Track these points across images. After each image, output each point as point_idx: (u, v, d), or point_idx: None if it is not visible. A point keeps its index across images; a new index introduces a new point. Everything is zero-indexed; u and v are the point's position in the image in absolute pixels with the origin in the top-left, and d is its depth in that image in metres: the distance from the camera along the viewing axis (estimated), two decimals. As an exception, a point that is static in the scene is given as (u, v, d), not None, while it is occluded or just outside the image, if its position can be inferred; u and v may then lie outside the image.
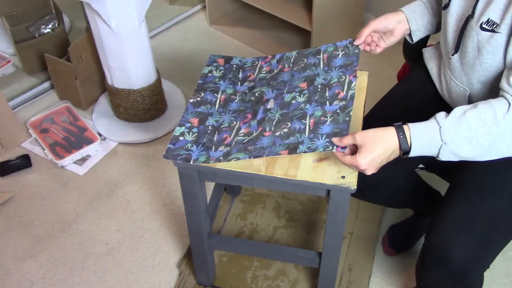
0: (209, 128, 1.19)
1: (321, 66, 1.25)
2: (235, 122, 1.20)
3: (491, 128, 0.95)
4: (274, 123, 1.15)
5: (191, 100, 1.27)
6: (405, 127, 0.99)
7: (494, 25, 1.00)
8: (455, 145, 0.96)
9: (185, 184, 1.22)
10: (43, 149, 1.98)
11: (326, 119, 1.11)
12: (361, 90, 1.33)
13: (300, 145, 1.07)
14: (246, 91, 1.28)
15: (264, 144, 1.11)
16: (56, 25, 2.28)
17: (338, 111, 1.12)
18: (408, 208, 1.59)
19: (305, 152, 1.05)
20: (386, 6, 2.46)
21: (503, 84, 0.99)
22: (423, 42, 1.40)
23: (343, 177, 1.10)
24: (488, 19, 1.01)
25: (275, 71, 1.30)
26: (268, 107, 1.20)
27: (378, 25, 1.24)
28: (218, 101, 1.26)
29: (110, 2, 1.66)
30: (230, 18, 2.74)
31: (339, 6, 2.27)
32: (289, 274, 1.59)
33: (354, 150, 1.02)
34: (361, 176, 1.09)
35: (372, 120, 1.27)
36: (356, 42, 1.26)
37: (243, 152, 1.10)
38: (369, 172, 1.00)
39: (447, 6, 1.12)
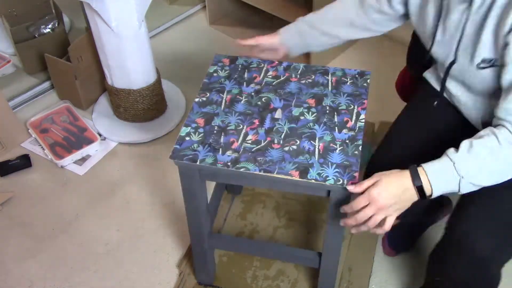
0: (215, 129, 1.20)
1: (329, 88, 1.31)
2: (241, 126, 1.21)
3: (498, 154, 0.96)
4: (282, 136, 1.18)
5: (197, 100, 1.28)
6: (419, 169, 0.99)
7: (492, 61, 1.02)
8: (471, 177, 0.96)
9: (185, 183, 1.22)
10: (43, 149, 1.98)
11: (336, 147, 1.15)
12: (362, 90, 1.33)
13: (310, 169, 1.10)
14: (253, 93, 1.29)
15: (273, 157, 1.13)
16: (56, 25, 2.28)
17: (347, 141, 1.16)
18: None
19: (316, 179, 1.08)
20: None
21: (498, 113, 1.00)
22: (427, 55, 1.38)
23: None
24: (483, 59, 1.03)
25: (282, 78, 1.34)
26: (276, 116, 1.23)
27: (263, 41, 1.35)
28: (224, 101, 1.27)
29: (110, 2, 1.66)
30: (230, 18, 2.74)
31: (339, 6, 2.26)
32: (289, 274, 1.59)
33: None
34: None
35: (386, 153, 1.30)
36: (240, 43, 1.36)
37: (252, 163, 1.12)
38: (382, 201, 0.98)
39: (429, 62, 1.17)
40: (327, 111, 1.24)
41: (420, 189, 0.98)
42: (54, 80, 2.21)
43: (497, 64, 1.01)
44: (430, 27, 1.14)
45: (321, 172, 1.10)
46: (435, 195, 0.99)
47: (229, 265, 1.62)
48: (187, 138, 1.18)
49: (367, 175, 1.14)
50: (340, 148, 1.15)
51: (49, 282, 1.60)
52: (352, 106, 1.25)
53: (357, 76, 1.33)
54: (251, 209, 1.78)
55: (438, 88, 1.27)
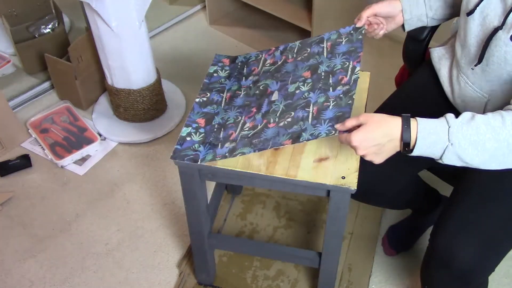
0: (216, 127, 1.20)
1: (325, 54, 1.25)
2: (240, 117, 1.19)
3: (499, 134, 0.90)
4: (278, 114, 1.14)
5: (197, 100, 1.27)
6: (412, 120, 0.93)
7: None
8: (461, 148, 0.90)
9: (185, 183, 1.22)
10: (43, 149, 1.98)
11: (329, 104, 1.10)
12: (363, 91, 1.33)
13: (303, 133, 1.05)
14: (251, 85, 1.28)
15: (268, 135, 1.10)
16: (56, 25, 2.28)
17: (341, 95, 1.11)
18: (407, 208, 1.59)
19: (308, 139, 1.03)
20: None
21: None
22: (424, 46, 1.39)
23: (343, 177, 1.10)
24: None
25: (279, 63, 1.30)
26: (273, 99, 1.20)
27: (381, 9, 1.23)
28: (224, 100, 1.26)
29: (110, 2, 1.66)
30: (230, 18, 2.74)
31: (339, 6, 2.26)
32: (289, 274, 1.59)
33: None
34: (365, 180, 1.09)
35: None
36: (358, 24, 1.25)
37: (248, 147, 1.10)
38: (359, 152, 0.94)
39: (471, 12, 1.07)
40: (322, 77, 1.18)
41: (405, 143, 0.93)
42: (54, 80, 2.21)
43: None
44: None
45: (313, 131, 1.05)
46: (415, 153, 0.93)
47: (229, 265, 1.62)
48: (188, 138, 1.18)
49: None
50: (333, 103, 1.09)
51: (49, 282, 1.60)
52: (348, 63, 1.19)
53: (352, 32, 1.27)
54: (251, 209, 1.78)
55: (445, 72, 1.24)
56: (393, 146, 0.95)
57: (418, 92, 1.33)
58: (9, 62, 2.32)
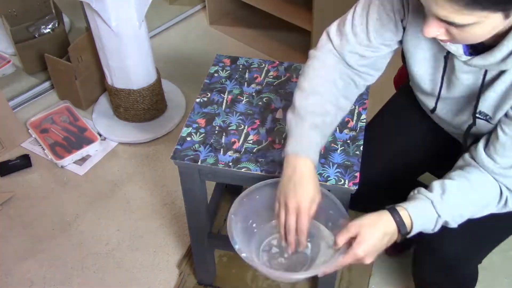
0: (216, 129, 1.20)
1: None
2: (243, 126, 1.21)
3: (471, 196, 0.96)
4: (284, 136, 1.17)
5: (198, 100, 1.28)
6: (399, 209, 0.95)
7: (487, 116, 0.99)
8: (450, 216, 0.96)
9: (185, 183, 1.22)
10: (43, 149, 1.98)
11: (337, 147, 1.16)
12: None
13: None
14: (253, 93, 1.30)
15: (275, 157, 1.13)
16: (56, 25, 2.28)
17: (348, 141, 1.17)
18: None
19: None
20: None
21: (475, 155, 0.98)
22: None
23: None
24: (480, 111, 1.00)
25: (283, 78, 1.34)
26: (277, 116, 1.23)
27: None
28: (225, 101, 1.27)
29: (110, 2, 1.66)
30: (230, 18, 2.74)
31: (339, 6, 2.26)
32: (289, 274, 1.59)
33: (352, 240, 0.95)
34: (364, 189, 1.09)
35: (374, 132, 1.28)
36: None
37: (253, 163, 1.12)
38: (368, 261, 0.95)
39: (433, 111, 1.12)
40: None
41: (404, 234, 0.95)
42: (54, 80, 2.21)
43: (490, 122, 0.99)
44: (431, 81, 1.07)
45: (322, 172, 1.10)
46: (413, 234, 0.96)
47: (229, 265, 1.62)
48: (188, 139, 1.18)
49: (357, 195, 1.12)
50: (341, 148, 1.15)
51: (49, 282, 1.60)
52: (353, 106, 1.24)
53: None
54: (251, 209, 1.78)
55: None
56: (390, 239, 0.96)
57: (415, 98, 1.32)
58: (9, 62, 2.32)
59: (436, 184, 0.97)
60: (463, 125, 1.07)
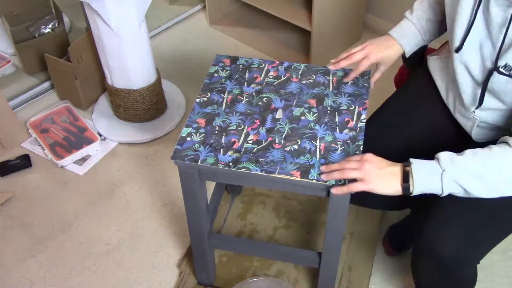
0: (216, 129, 1.20)
1: (330, 87, 1.31)
2: (243, 126, 1.21)
3: (486, 160, 0.95)
4: (283, 136, 1.18)
5: (198, 100, 1.28)
6: (406, 163, 1.01)
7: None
8: (454, 171, 0.95)
9: (185, 183, 1.22)
10: (43, 149, 1.98)
11: (337, 147, 1.16)
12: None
13: (311, 169, 1.10)
14: (253, 93, 1.30)
15: (274, 158, 1.13)
16: (56, 25, 2.28)
17: (348, 141, 1.17)
18: (407, 208, 1.59)
19: (317, 180, 1.08)
20: (386, 6, 2.46)
21: None
22: (423, 49, 1.39)
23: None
24: (506, 64, 0.97)
25: (283, 78, 1.34)
26: (277, 116, 1.23)
27: (379, 59, 1.27)
28: (224, 101, 1.27)
29: (110, 2, 1.66)
30: (230, 18, 2.74)
31: (339, 6, 2.26)
32: (289, 274, 1.59)
33: None
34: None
35: (374, 126, 1.28)
36: (348, 77, 1.29)
37: (253, 163, 1.12)
38: (368, 175, 1.01)
39: (459, 49, 1.07)
40: (328, 111, 1.24)
41: (405, 171, 1.00)
42: (54, 80, 2.21)
43: None
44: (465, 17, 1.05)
45: None
46: (416, 186, 0.99)
47: (229, 265, 1.62)
48: (188, 139, 1.18)
49: None
50: (341, 148, 1.15)
51: (49, 282, 1.60)
52: (353, 106, 1.25)
53: (357, 76, 1.33)
54: (251, 209, 1.78)
55: (441, 82, 1.26)
56: (393, 177, 1.01)
57: (417, 94, 1.33)
58: (9, 62, 2.32)
59: (468, 151, 0.98)
60: (483, 77, 1.04)
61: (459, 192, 0.98)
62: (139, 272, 1.62)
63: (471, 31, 1.03)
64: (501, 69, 0.98)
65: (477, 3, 1.01)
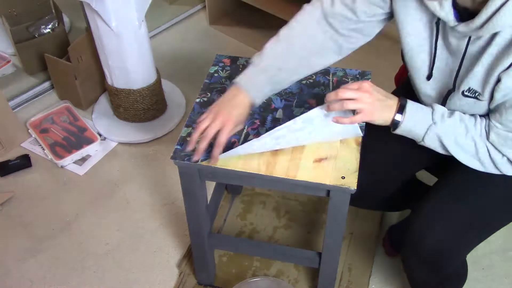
0: None
1: (331, 88, 1.31)
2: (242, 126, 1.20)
3: (468, 132, 1.03)
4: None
5: (198, 100, 1.28)
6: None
7: (476, 93, 1.01)
8: (443, 127, 1.03)
9: (185, 183, 1.22)
10: (43, 149, 1.98)
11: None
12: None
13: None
14: None
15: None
16: (56, 25, 2.28)
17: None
18: (407, 208, 1.59)
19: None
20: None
21: (492, 117, 1.03)
22: None
23: (343, 177, 1.10)
24: (469, 88, 1.02)
25: None
26: (277, 116, 1.23)
27: (236, 122, 1.12)
28: None
29: (110, 2, 1.66)
30: (230, 18, 2.74)
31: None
32: (289, 274, 1.59)
33: None
34: (362, 184, 1.10)
35: (372, 130, 1.28)
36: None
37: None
38: (368, 99, 1.03)
39: (430, 77, 1.11)
40: None
41: (401, 105, 1.05)
42: (54, 80, 2.21)
43: (479, 99, 1.01)
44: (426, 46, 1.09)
45: None
46: (403, 126, 1.04)
47: (229, 265, 1.62)
48: (188, 139, 1.18)
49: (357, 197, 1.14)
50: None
51: (49, 282, 1.60)
52: None
53: (358, 76, 1.33)
54: (251, 209, 1.78)
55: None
56: (388, 109, 1.05)
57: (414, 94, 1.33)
58: (9, 62, 2.32)
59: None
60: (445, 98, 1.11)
61: (435, 147, 1.06)
62: (139, 272, 1.62)
63: (436, 59, 1.07)
64: (466, 93, 1.03)
65: (435, 36, 1.04)
